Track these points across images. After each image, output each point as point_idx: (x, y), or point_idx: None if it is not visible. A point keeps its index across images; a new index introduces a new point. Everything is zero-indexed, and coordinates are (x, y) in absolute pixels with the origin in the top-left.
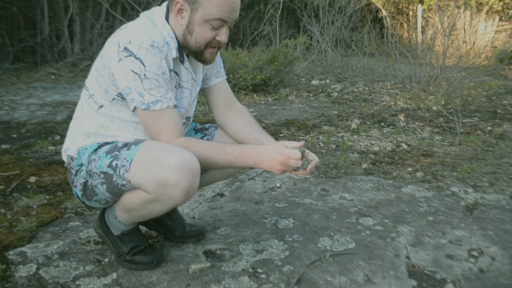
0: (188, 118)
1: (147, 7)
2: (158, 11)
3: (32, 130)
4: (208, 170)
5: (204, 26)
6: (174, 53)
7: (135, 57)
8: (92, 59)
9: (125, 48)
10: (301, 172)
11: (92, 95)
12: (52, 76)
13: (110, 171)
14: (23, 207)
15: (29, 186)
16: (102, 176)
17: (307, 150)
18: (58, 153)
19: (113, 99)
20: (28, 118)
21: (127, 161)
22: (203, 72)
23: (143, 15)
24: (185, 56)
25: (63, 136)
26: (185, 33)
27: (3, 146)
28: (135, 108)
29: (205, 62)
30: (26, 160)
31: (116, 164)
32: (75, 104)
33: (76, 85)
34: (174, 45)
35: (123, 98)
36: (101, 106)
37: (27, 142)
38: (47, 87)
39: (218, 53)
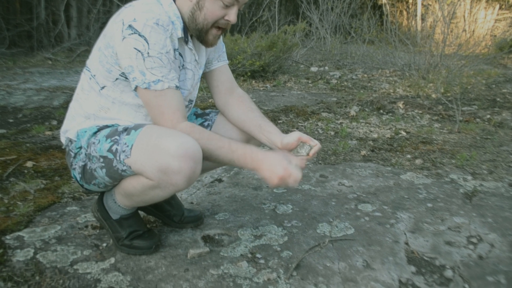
0: (190, 101)
1: None
2: None
3: (29, 115)
4: None
5: (215, 3)
6: (179, 33)
7: (139, 35)
8: (89, 44)
9: (130, 26)
10: (303, 158)
11: (94, 75)
12: (48, 61)
13: (110, 156)
14: (20, 191)
15: (26, 171)
16: (101, 160)
17: (309, 136)
18: (55, 138)
19: (116, 79)
20: (25, 103)
21: (128, 146)
22: (206, 55)
23: None
24: (189, 37)
25: (60, 121)
26: (194, 8)
27: (0, 131)
28: (136, 87)
29: (206, 43)
30: (22, 145)
31: (116, 149)
32: (72, 89)
33: (73, 70)
34: (179, 25)
35: (126, 78)
36: (103, 87)
37: (23, 127)
38: (43, 72)
39: (221, 38)
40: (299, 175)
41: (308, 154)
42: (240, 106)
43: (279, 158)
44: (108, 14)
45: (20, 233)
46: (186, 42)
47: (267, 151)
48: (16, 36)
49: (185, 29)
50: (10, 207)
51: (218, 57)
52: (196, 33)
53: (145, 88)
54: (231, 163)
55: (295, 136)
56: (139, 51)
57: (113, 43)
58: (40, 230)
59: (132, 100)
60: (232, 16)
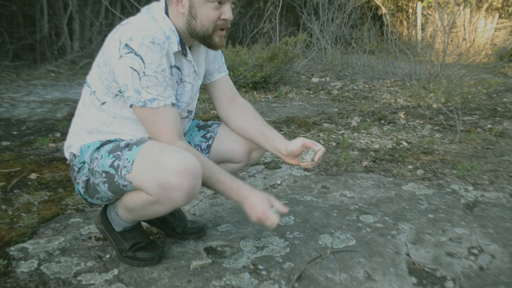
0: (190, 111)
1: (147, 4)
2: (157, 6)
3: (33, 127)
4: None
5: (206, 6)
6: (175, 47)
7: (135, 54)
8: (91, 56)
9: (126, 45)
10: (309, 163)
11: (94, 91)
12: (51, 73)
13: (112, 171)
14: (24, 203)
15: (29, 183)
16: (104, 175)
17: (313, 141)
18: (59, 150)
19: (116, 95)
20: (28, 115)
21: (129, 161)
22: (205, 66)
23: (144, 9)
24: (187, 49)
25: (63, 133)
26: (189, 19)
27: (4, 143)
28: (132, 105)
29: (215, 46)
30: (26, 157)
31: (118, 165)
32: (75, 101)
33: (76, 82)
34: (175, 39)
35: None
36: (103, 103)
37: (27, 139)
38: (47, 84)
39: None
40: (276, 220)
41: (313, 160)
42: (243, 115)
43: (262, 200)
44: (110, 26)
45: (24, 245)
46: (185, 55)
47: (253, 189)
48: (19, 49)
49: (182, 41)
50: (14, 218)
51: (218, 68)
52: (201, 41)
53: (141, 106)
54: (218, 192)
55: (299, 142)
56: (135, 70)
57: (110, 60)
58: (44, 241)
59: (133, 115)
60: (227, 13)
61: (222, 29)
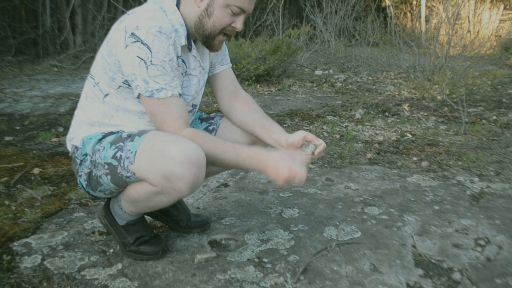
0: (194, 106)
1: None
2: None
3: (35, 122)
4: None
5: (224, 10)
6: (183, 41)
7: (142, 43)
8: (94, 51)
9: (132, 34)
10: (309, 156)
11: (98, 83)
12: (54, 68)
13: (115, 162)
14: (27, 198)
15: (33, 178)
16: (106, 167)
17: (314, 136)
18: (62, 144)
19: (119, 86)
20: (31, 110)
21: (131, 152)
22: (209, 59)
23: (151, 0)
24: (193, 43)
25: (66, 128)
26: (202, 15)
27: (7, 138)
28: (139, 95)
29: (212, 48)
30: (29, 151)
31: (121, 156)
32: (78, 96)
33: (78, 77)
34: (183, 33)
35: (129, 86)
36: (106, 95)
37: (30, 134)
38: (49, 79)
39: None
40: (304, 173)
41: (313, 153)
42: (244, 108)
43: (283, 158)
44: (113, 20)
45: (28, 240)
46: (190, 50)
47: (271, 151)
48: (22, 43)
49: (189, 36)
50: (17, 213)
51: (221, 61)
52: (203, 38)
53: (148, 96)
54: (236, 166)
55: (300, 135)
56: (142, 59)
57: (115, 50)
58: (48, 236)
59: (136, 107)
60: (238, 24)
61: (224, 34)
